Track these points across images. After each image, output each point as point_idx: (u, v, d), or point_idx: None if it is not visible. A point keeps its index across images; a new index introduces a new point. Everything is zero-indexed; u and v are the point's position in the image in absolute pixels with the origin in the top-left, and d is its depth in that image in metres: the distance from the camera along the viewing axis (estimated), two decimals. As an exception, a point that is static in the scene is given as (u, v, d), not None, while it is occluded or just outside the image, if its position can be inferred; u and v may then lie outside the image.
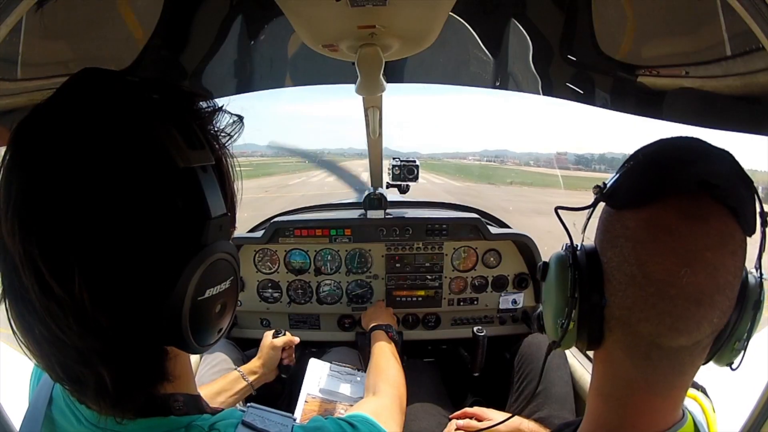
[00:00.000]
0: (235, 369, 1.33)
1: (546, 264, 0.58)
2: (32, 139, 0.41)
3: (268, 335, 1.44)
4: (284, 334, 1.44)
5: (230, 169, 0.52)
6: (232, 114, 0.51)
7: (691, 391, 0.59)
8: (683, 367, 0.48)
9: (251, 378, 1.31)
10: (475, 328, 1.51)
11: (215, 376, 1.40)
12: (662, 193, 0.45)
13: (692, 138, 0.49)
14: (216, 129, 0.50)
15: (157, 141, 0.42)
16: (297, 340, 1.46)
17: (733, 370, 0.51)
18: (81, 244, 0.39)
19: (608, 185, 0.50)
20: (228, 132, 0.51)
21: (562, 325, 0.52)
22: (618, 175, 0.50)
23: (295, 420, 0.55)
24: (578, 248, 0.53)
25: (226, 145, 0.52)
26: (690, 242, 0.43)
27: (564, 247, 0.54)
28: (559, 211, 0.56)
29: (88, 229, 0.40)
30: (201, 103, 0.49)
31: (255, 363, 1.37)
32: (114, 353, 0.42)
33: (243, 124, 0.52)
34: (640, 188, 0.47)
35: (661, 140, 0.50)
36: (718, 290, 0.44)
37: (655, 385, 0.49)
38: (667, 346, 0.46)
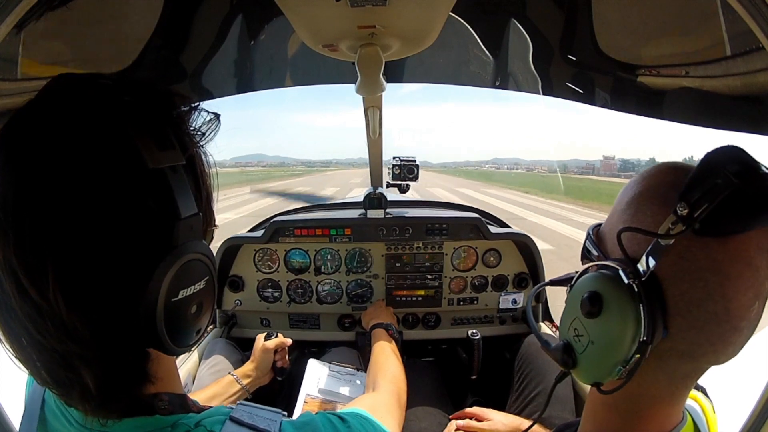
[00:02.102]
0: (230, 373, 1.33)
1: (597, 295, 0.47)
2: (8, 145, 0.41)
3: (260, 338, 1.42)
4: (276, 336, 1.42)
5: (205, 167, 0.52)
6: (209, 112, 0.51)
7: (692, 391, 0.59)
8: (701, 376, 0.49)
9: (245, 381, 1.31)
10: (469, 331, 1.49)
11: (215, 376, 1.40)
12: (757, 226, 0.41)
13: (754, 160, 0.43)
14: (192, 128, 0.50)
15: (126, 143, 0.42)
16: (289, 341, 1.44)
17: None
18: (54, 248, 0.40)
19: (700, 209, 0.40)
20: (203, 131, 0.51)
21: (621, 373, 0.45)
22: (707, 196, 0.40)
23: (284, 415, 0.54)
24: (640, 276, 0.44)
25: (202, 143, 0.51)
26: (761, 275, 0.42)
27: (622, 274, 0.45)
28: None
29: (61, 233, 0.40)
30: (178, 102, 0.49)
31: (248, 366, 1.36)
32: (94, 356, 0.42)
33: (219, 122, 0.52)
34: (737, 219, 0.41)
35: (739, 156, 0.42)
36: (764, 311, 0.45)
37: (676, 397, 0.49)
38: (710, 368, 0.46)
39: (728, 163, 0.41)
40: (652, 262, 0.44)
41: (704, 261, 0.42)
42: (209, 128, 0.51)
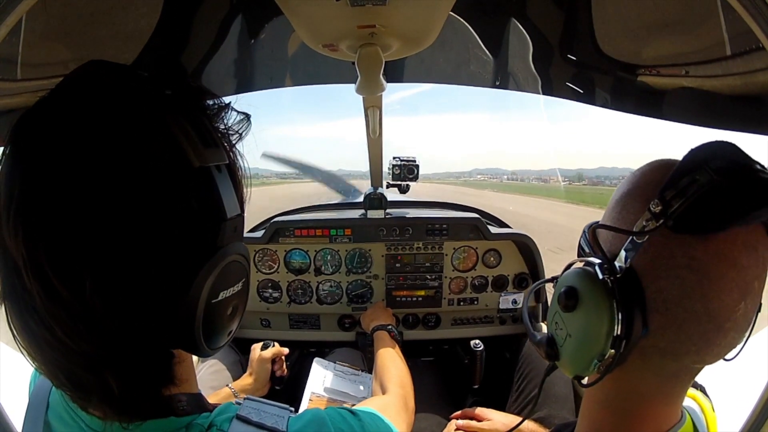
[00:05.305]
0: (228, 386, 1.31)
1: (573, 290, 0.47)
2: (35, 134, 0.38)
3: (256, 348, 1.40)
4: (273, 346, 1.41)
5: (240, 169, 0.51)
6: (239, 112, 0.50)
7: (691, 390, 0.59)
8: (696, 376, 0.49)
9: (242, 396, 1.29)
10: (472, 342, 1.47)
11: (213, 377, 1.41)
12: (735, 224, 0.40)
13: (745, 155, 0.42)
14: (225, 127, 0.49)
15: (171, 138, 0.40)
16: (286, 351, 1.42)
17: (727, 360, 0.50)
18: (91, 247, 0.37)
19: (675, 206, 0.40)
20: (236, 130, 0.50)
21: (598, 368, 0.45)
22: (683, 192, 0.40)
23: (292, 411, 0.53)
24: (616, 272, 0.44)
25: (234, 143, 0.50)
26: (748, 275, 0.41)
27: (598, 270, 0.45)
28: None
29: (99, 232, 0.37)
30: (208, 100, 0.48)
31: (246, 380, 1.34)
32: (122, 358, 0.41)
33: (250, 122, 0.51)
34: (716, 216, 0.40)
35: (727, 151, 0.42)
36: (755, 313, 0.44)
37: (670, 396, 0.49)
38: (701, 368, 0.46)
39: (712, 158, 0.41)
40: (628, 259, 0.44)
41: (681, 258, 0.41)
42: (241, 127, 0.50)
